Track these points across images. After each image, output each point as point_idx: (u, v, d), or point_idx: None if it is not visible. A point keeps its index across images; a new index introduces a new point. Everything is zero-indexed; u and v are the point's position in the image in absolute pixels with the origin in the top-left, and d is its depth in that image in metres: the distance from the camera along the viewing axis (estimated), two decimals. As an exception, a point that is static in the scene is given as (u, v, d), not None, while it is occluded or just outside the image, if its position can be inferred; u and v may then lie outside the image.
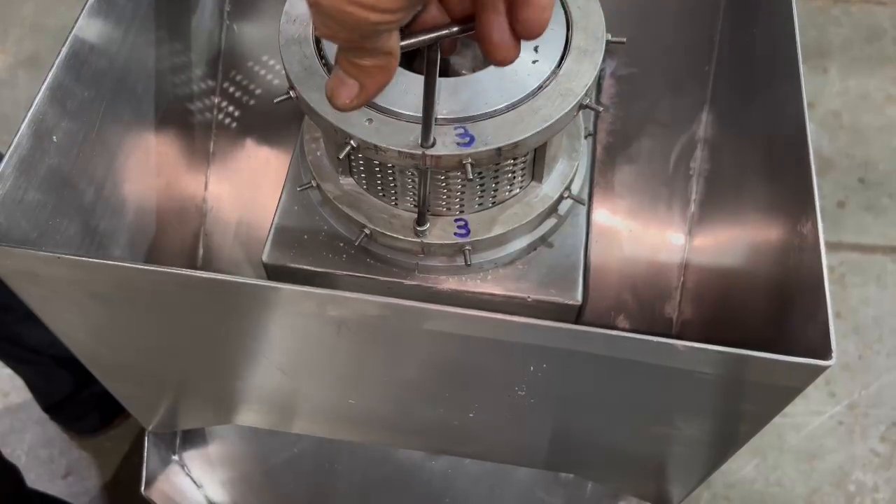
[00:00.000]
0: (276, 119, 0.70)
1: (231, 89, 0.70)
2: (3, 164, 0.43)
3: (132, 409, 0.60)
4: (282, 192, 0.59)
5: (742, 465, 1.30)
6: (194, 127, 0.68)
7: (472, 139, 0.47)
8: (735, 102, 0.64)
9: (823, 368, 0.37)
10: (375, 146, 0.47)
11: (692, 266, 0.67)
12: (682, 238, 0.68)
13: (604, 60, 0.52)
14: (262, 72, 0.71)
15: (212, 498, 0.71)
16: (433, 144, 0.47)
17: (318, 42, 0.51)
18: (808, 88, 1.64)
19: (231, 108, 0.71)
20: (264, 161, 0.72)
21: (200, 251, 0.71)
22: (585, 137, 0.59)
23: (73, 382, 1.13)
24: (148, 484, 0.66)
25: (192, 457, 0.71)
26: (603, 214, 0.69)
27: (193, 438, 0.71)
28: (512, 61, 0.37)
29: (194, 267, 0.71)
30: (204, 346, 0.51)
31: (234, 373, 0.53)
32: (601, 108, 0.52)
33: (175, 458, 0.70)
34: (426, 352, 0.45)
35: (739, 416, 0.44)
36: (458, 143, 0.47)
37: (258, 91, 0.71)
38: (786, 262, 0.47)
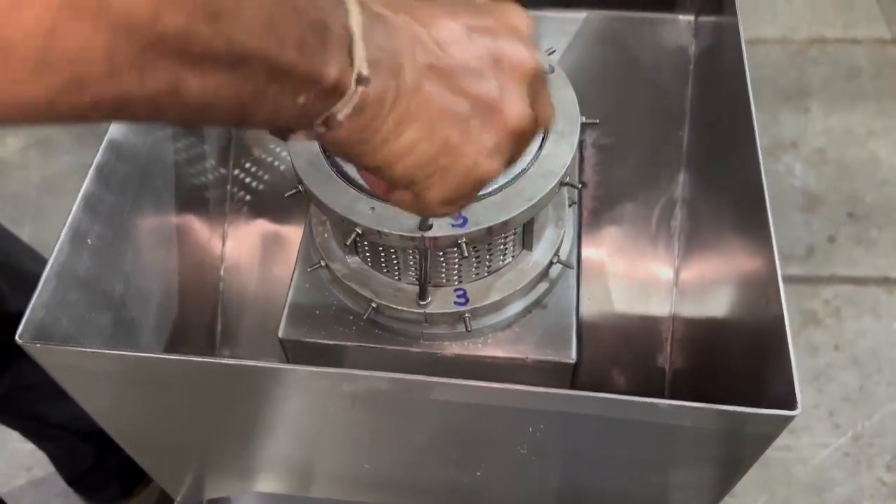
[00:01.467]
0: (284, 201, 0.75)
1: (242, 176, 0.76)
2: (46, 270, 0.48)
3: (162, 481, 0.64)
4: (293, 272, 0.64)
5: (752, 502, 1.33)
6: (210, 213, 0.73)
7: (465, 220, 0.52)
8: (707, 163, 0.69)
9: (791, 418, 0.42)
10: (379, 232, 0.52)
11: (679, 319, 0.71)
12: (668, 293, 0.72)
13: (584, 132, 0.57)
14: (270, 159, 0.76)
15: (239, 563, 0.74)
16: (430, 227, 0.52)
17: (321, 139, 0.56)
18: (791, 127, 1.69)
19: (242, 193, 0.76)
20: (274, 239, 0.77)
21: (219, 327, 0.76)
22: (570, 206, 0.64)
23: (94, 455, 1.17)
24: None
25: (218, 523, 0.74)
26: (593, 274, 0.73)
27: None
28: None
29: (213, 341, 0.76)
30: (228, 422, 0.55)
31: (256, 445, 0.57)
32: (580, 186, 0.57)
33: (202, 524, 0.74)
34: (434, 419, 0.49)
35: (725, 461, 0.48)
36: (452, 225, 0.52)
37: (266, 177, 0.76)
38: (756, 314, 0.51)
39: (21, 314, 0.46)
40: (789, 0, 2.07)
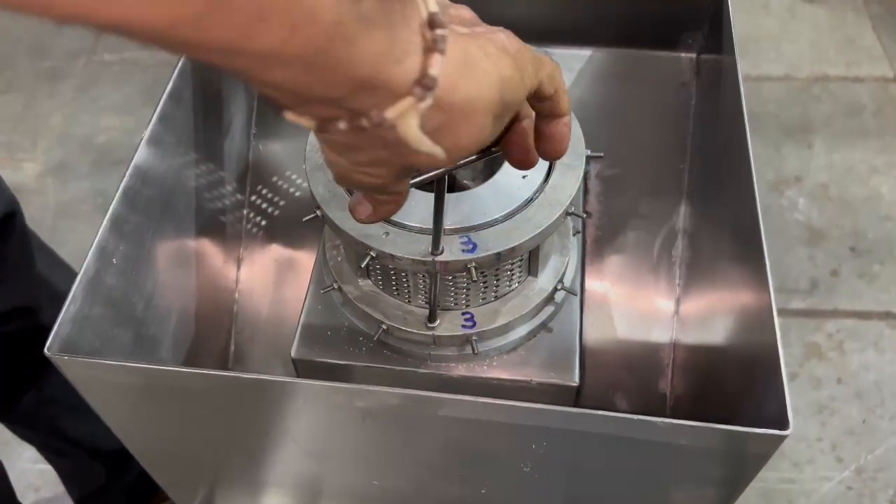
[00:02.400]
0: (298, 227, 0.78)
1: (258, 202, 0.79)
2: (74, 286, 0.51)
3: (174, 495, 0.66)
4: (307, 294, 0.66)
5: (755, 534, 1.33)
6: (226, 237, 0.76)
7: (474, 246, 0.55)
8: (707, 196, 0.71)
9: (783, 438, 0.43)
10: (392, 255, 0.54)
11: (680, 345, 0.73)
12: (669, 320, 0.74)
13: (589, 164, 0.59)
14: (286, 185, 0.79)
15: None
16: (441, 252, 0.54)
17: (338, 167, 0.59)
18: (795, 163, 1.72)
19: (258, 218, 0.79)
20: (287, 264, 0.80)
21: (232, 347, 0.78)
22: (574, 235, 0.67)
23: (106, 475, 1.18)
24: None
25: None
26: (597, 301, 0.76)
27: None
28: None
29: (227, 362, 0.78)
30: (242, 437, 0.57)
31: (267, 459, 0.59)
32: (585, 216, 0.59)
33: (211, 542, 0.75)
34: (441, 435, 0.51)
35: (721, 481, 0.50)
36: (462, 250, 0.55)
37: (282, 202, 0.79)
38: (752, 341, 0.53)
39: (51, 328, 0.49)
40: (793, 38, 2.11)
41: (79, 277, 0.51)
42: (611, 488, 0.55)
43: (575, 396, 0.62)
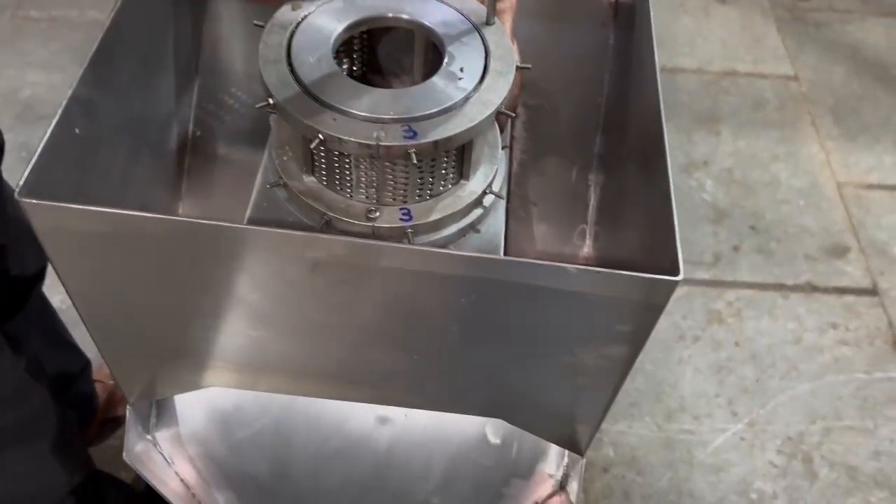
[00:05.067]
0: (240, 141, 0.82)
1: (204, 112, 0.83)
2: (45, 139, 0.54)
3: (119, 376, 0.69)
4: (253, 191, 0.71)
5: (657, 479, 1.43)
6: (172, 152, 0.79)
7: (415, 134, 0.61)
8: (619, 125, 0.79)
9: (675, 283, 0.51)
10: (339, 138, 0.60)
11: (592, 259, 0.81)
12: (584, 236, 0.82)
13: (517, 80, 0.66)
14: (231, 101, 0.83)
15: (181, 473, 0.79)
16: (385, 137, 0.60)
17: (290, 62, 0.64)
18: (703, 148, 1.86)
19: (203, 132, 0.83)
20: (231, 178, 0.84)
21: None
22: (502, 149, 0.74)
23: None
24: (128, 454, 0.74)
25: (164, 437, 0.79)
26: (521, 217, 0.83)
27: (166, 419, 0.80)
28: None
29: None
30: (192, 295, 0.59)
31: (215, 324, 0.62)
32: (513, 115, 0.66)
33: (149, 437, 0.79)
34: (381, 290, 0.56)
35: (621, 336, 0.57)
36: (404, 137, 0.61)
37: (227, 117, 0.83)
38: (652, 228, 0.61)
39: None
40: (706, 36, 2.26)
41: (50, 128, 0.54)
42: (524, 350, 0.62)
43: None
